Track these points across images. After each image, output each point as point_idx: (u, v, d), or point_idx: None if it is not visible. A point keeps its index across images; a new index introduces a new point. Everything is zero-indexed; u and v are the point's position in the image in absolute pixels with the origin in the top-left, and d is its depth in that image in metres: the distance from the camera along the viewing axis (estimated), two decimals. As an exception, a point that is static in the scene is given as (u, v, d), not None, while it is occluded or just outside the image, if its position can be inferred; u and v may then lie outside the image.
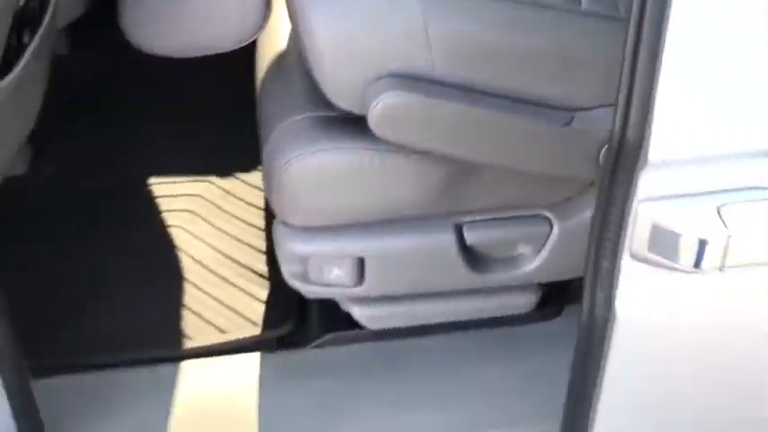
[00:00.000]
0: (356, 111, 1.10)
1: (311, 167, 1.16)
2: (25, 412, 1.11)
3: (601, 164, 1.06)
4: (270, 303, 1.51)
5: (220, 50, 1.33)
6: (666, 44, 0.72)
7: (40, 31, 1.07)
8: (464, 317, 1.43)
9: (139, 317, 1.47)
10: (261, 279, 1.57)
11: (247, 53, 1.52)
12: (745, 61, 0.75)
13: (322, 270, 1.27)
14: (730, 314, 0.87)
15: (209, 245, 1.66)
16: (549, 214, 1.29)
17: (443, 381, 1.36)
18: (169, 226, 1.70)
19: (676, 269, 0.80)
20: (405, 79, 1.08)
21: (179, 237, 1.67)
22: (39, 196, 1.76)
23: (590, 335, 0.89)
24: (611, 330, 0.86)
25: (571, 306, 1.47)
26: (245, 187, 1.81)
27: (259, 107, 1.38)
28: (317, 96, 1.18)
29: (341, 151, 1.16)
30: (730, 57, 0.75)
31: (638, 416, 0.99)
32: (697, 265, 0.79)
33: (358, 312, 1.37)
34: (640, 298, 0.86)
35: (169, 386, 1.35)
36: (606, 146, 0.81)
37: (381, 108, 1.05)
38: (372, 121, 1.08)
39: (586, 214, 1.13)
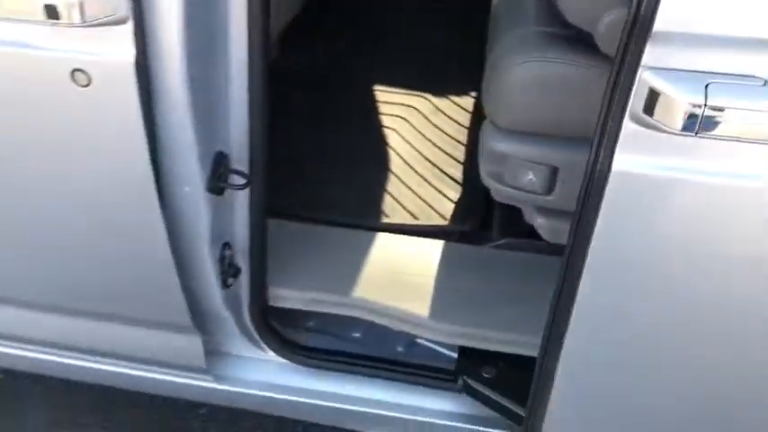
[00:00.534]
0: (585, 27, 1.23)
1: (533, 74, 1.30)
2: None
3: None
4: (459, 203, 1.70)
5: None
6: None
7: None
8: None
9: (351, 189, 1.72)
10: (454, 183, 1.77)
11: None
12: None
13: (517, 173, 1.41)
14: (710, 175, 0.97)
15: (414, 147, 1.87)
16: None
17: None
18: (384, 126, 1.93)
19: (665, 131, 0.93)
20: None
21: (390, 136, 1.90)
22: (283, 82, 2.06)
23: (589, 188, 1.00)
24: (607, 182, 0.98)
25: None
26: (455, 108, 2.00)
27: (493, 21, 1.54)
28: (548, 13, 1.32)
29: (563, 65, 1.28)
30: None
31: (625, 271, 1.08)
32: (684, 129, 0.92)
33: (539, 222, 1.50)
34: (635, 156, 0.97)
35: (365, 248, 1.57)
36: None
37: (608, 23, 1.17)
38: (599, 38, 1.20)
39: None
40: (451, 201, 1.71)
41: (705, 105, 0.91)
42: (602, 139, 0.98)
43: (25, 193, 1.23)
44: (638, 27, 0.91)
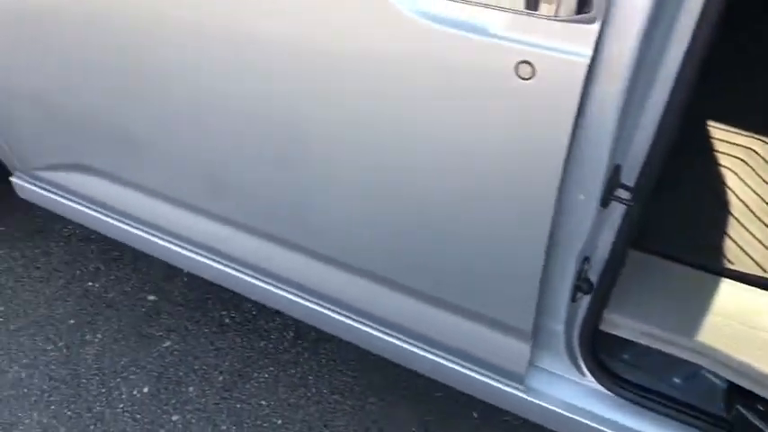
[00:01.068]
0: None
1: None
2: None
3: None
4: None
5: None
6: None
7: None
8: None
9: (689, 225, 1.63)
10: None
11: None
12: None
13: None
14: None
15: (756, 192, 1.74)
16: None
17: None
18: (721, 165, 1.82)
19: None
20: None
21: (728, 176, 1.78)
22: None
23: None
24: None
25: None
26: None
27: None
28: None
29: None
30: None
31: None
32: None
33: None
34: None
35: (709, 292, 1.47)
36: None
37: None
38: None
39: None
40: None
41: None
42: None
43: (414, 168, 1.26)
44: None
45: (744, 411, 1.38)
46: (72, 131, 1.73)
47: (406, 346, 1.57)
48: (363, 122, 1.24)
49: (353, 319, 1.64)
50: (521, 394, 1.48)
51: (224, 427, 1.87)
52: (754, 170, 1.80)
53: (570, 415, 1.46)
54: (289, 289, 1.71)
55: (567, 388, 1.49)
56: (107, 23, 1.44)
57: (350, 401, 1.93)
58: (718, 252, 1.57)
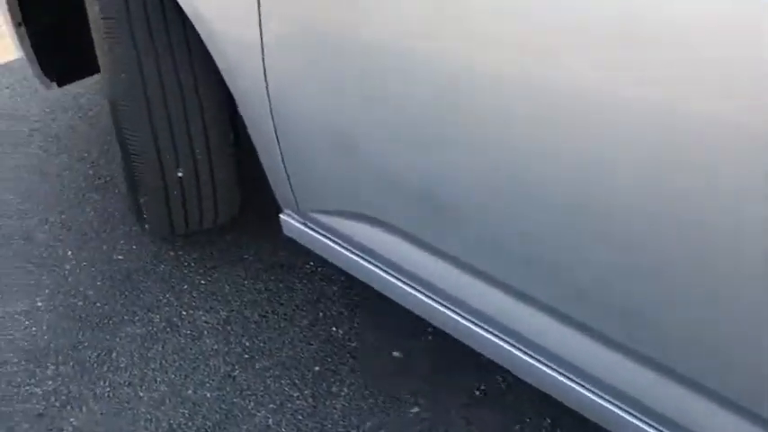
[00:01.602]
0: None
1: None
2: None
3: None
4: None
5: None
6: None
7: None
8: None
9: None
10: None
11: None
12: None
13: None
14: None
15: None
16: None
17: None
18: None
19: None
20: None
21: None
22: None
23: None
24: None
25: None
26: None
27: None
28: None
29: None
30: None
31: None
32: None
33: None
34: None
35: None
36: None
37: None
38: None
39: None
40: None
41: None
42: None
43: None
44: None
45: None
46: (375, 182, 1.63)
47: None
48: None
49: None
50: None
51: None
52: None
53: None
54: (558, 368, 1.52)
55: None
56: (434, 68, 1.32)
57: None
58: None
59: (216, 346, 2.10)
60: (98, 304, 2.23)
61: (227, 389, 1.99)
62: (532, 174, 1.30)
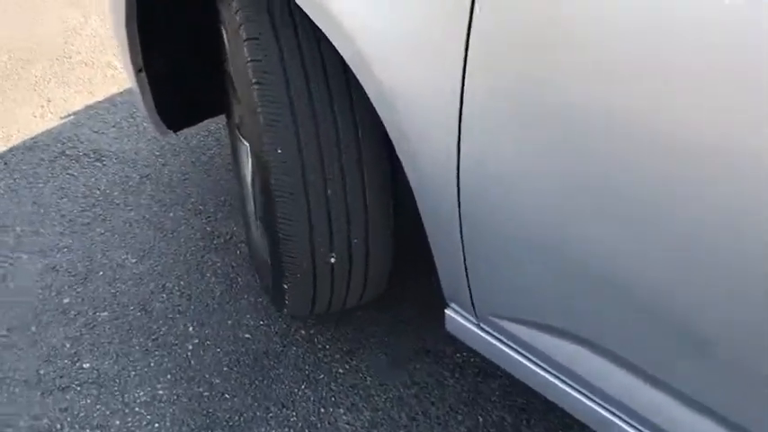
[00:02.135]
0: None
1: None
2: None
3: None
4: None
5: None
6: None
7: None
8: None
9: None
10: None
11: None
12: None
13: None
14: None
15: None
16: None
17: None
18: None
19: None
20: None
21: None
22: None
23: None
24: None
25: None
26: None
27: None
28: None
29: None
30: None
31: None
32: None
33: None
34: None
35: None
36: None
37: None
38: None
39: None
40: None
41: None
42: None
43: None
44: None
45: None
46: (582, 298, 1.32)
47: None
48: None
49: None
50: None
51: None
52: None
53: None
54: None
55: None
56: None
57: None
58: None
59: (362, 456, 1.83)
60: (226, 396, 1.98)
61: None
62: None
